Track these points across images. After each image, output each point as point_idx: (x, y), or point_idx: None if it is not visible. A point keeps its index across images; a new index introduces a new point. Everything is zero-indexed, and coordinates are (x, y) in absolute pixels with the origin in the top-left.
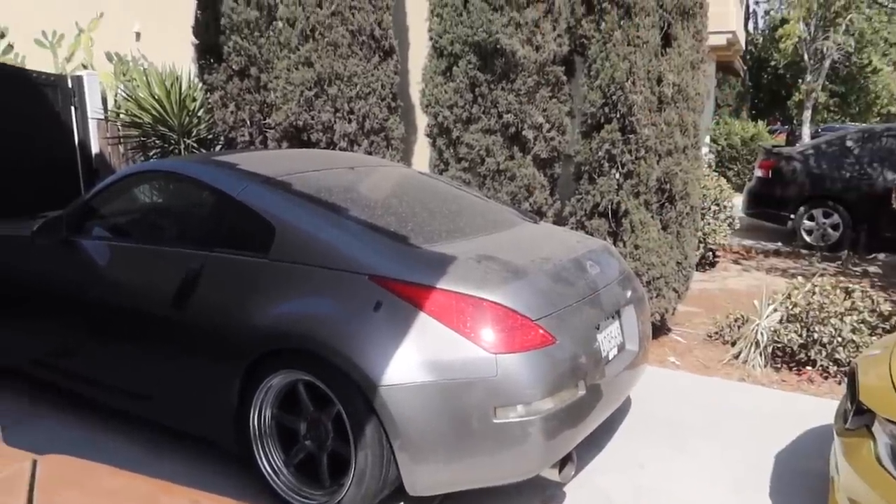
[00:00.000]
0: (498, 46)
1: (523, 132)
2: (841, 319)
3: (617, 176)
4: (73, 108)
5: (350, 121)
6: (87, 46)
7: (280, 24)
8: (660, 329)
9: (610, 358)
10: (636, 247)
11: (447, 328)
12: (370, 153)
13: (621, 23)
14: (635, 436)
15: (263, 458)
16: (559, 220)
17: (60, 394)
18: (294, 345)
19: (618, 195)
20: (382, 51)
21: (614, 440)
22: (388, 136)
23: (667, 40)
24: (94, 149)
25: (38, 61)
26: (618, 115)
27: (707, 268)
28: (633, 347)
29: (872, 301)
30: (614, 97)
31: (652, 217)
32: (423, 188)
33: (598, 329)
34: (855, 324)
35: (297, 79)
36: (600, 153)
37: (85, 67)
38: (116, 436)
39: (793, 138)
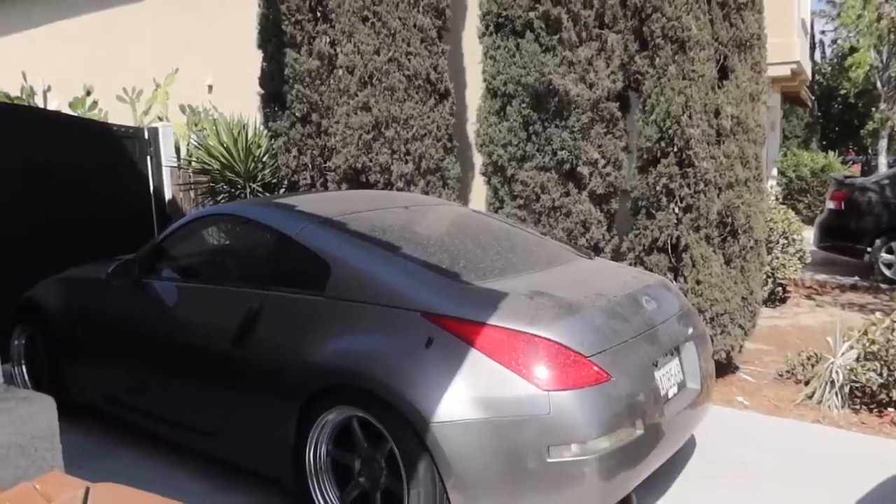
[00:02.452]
0: (551, 87)
1: (578, 168)
2: None
3: (675, 210)
4: (149, 157)
5: (406, 161)
6: (163, 100)
7: (340, 71)
8: (726, 367)
9: (670, 396)
10: (698, 282)
11: (499, 365)
12: (427, 193)
13: (675, 57)
14: (701, 479)
15: (319, 495)
16: (617, 256)
17: (132, 430)
18: (348, 381)
19: (677, 230)
20: (438, 93)
21: (678, 484)
22: (443, 176)
23: (724, 73)
24: (168, 195)
25: (120, 115)
26: (674, 150)
27: (777, 304)
28: (695, 385)
29: None
30: (670, 131)
31: (714, 251)
32: (476, 226)
33: (655, 366)
34: None
35: (356, 123)
36: (658, 188)
37: (160, 119)
38: (182, 471)
39: (868, 169)
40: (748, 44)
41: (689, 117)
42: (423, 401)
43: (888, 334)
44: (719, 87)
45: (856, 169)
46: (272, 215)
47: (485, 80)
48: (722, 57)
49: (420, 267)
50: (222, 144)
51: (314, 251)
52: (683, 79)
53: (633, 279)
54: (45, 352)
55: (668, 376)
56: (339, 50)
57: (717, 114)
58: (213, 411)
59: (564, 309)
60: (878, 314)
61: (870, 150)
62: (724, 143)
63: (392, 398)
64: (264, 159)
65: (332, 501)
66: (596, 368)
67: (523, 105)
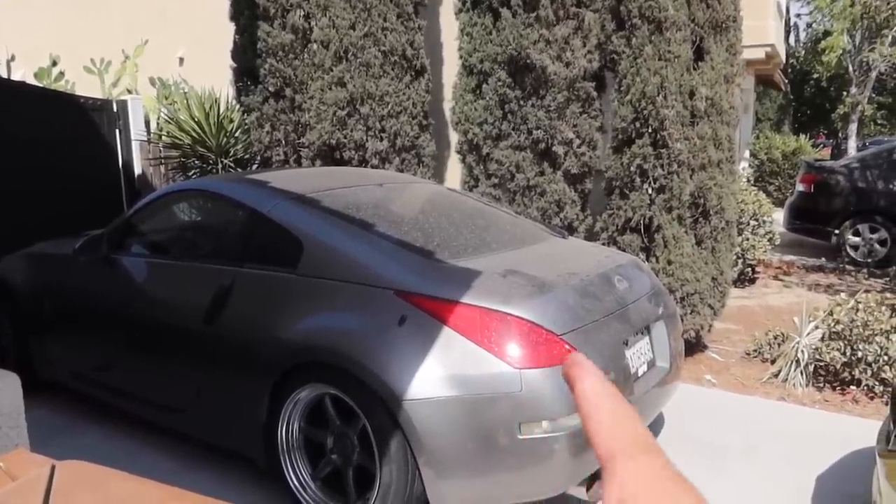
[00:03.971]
0: (528, 62)
1: (553, 148)
2: (887, 337)
3: (649, 191)
4: (117, 130)
5: (381, 139)
6: (132, 72)
7: (314, 46)
8: (695, 346)
9: (639, 374)
10: (669, 262)
11: (471, 343)
12: (402, 170)
13: (652, 38)
14: (669, 454)
15: (291, 472)
16: (591, 236)
17: (101, 407)
18: (320, 358)
19: (650, 210)
20: (414, 70)
21: None
22: (419, 154)
23: (699, 54)
24: (137, 169)
25: (88, 87)
26: (649, 130)
27: (746, 284)
28: (664, 364)
29: None
30: (645, 112)
31: (686, 232)
32: (450, 204)
33: (626, 345)
34: None
35: (331, 99)
36: (632, 168)
37: (130, 92)
38: (155, 449)
39: (838, 152)
40: (724, 25)
41: (665, 98)
42: (396, 378)
43: (852, 314)
44: (694, 69)
45: (826, 152)
46: (245, 191)
47: (461, 58)
48: (698, 38)
49: (393, 245)
50: (193, 119)
51: (286, 228)
52: (659, 59)
53: (605, 259)
54: (10, 328)
55: (638, 355)
56: (313, 24)
57: (691, 95)
58: (184, 388)
59: (537, 288)
60: (842, 295)
61: (840, 134)
62: (697, 124)
63: (364, 376)
64: (237, 134)
65: (304, 478)
66: (567, 346)
67: (499, 83)
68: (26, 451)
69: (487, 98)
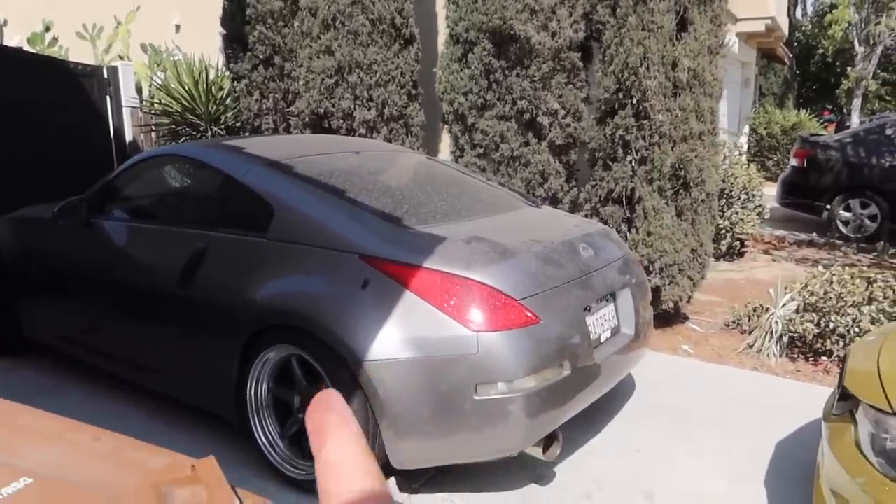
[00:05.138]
0: (512, 32)
1: (538, 118)
2: (859, 309)
3: (631, 162)
4: (108, 97)
5: (369, 108)
6: (123, 38)
7: (303, 13)
8: (674, 317)
9: (602, 340)
10: (649, 233)
11: (431, 306)
12: (390, 140)
13: (636, 7)
14: (636, 421)
15: (260, 430)
16: (575, 207)
17: (86, 369)
18: (287, 321)
19: (632, 181)
20: (403, 39)
21: (613, 424)
22: (407, 123)
23: (683, 25)
24: (128, 136)
25: (81, 53)
26: (632, 101)
27: (735, 258)
28: (629, 331)
29: (894, 291)
30: (628, 83)
31: (666, 204)
32: (426, 172)
33: (588, 311)
34: (874, 314)
35: (319, 67)
36: (614, 139)
37: (121, 59)
38: (130, 408)
39: (843, 128)
40: None
41: (647, 69)
42: (357, 340)
43: (826, 286)
44: (678, 40)
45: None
46: (220, 157)
47: (448, 27)
48: (681, 9)
49: (361, 211)
50: (183, 86)
51: (258, 193)
52: (642, 30)
53: (574, 227)
54: None
55: (600, 321)
56: None
57: (674, 66)
58: (159, 349)
59: (499, 253)
60: (820, 267)
61: (844, 110)
62: (679, 95)
63: (327, 337)
64: (227, 102)
65: (272, 436)
66: (525, 311)
67: (484, 52)
68: None
69: (473, 67)
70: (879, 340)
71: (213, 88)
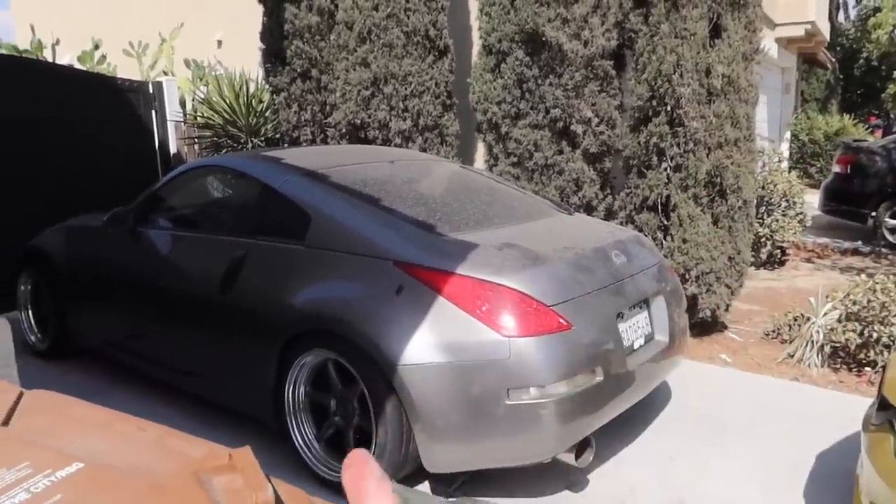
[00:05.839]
0: (544, 39)
1: (571, 126)
2: None
3: (666, 169)
4: (153, 111)
5: (405, 118)
6: (168, 54)
7: (339, 27)
8: (712, 325)
9: (635, 347)
10: (684, 241)
11: (463, 312)
12: (424, 150)
13: (668, 15)
14: (670, 430)
15: (297, 432)
16: (610, 215)
17: (132, 372)
18: (324, 326)
19: (666, 189)
20: (437, 50)
21: (647, 432)
22: (442, 133)
23: (716, 31)
24: (173, 149)
25: (128, 70)
26: (665, 108)
27: (776, 266)
28: (663, 338)
29: None
30: (661, 90)
31: (702, 211)
32: (460, 181)
33: (620, 318)
34: None
35: (355, 79)
36: (649, 147)
37: (166, 74)
38: (173, 410)
39: (890, 134)
40: (742, 2)
41: (681, 76)
42: (391, 345)
43: (869, 295)
44: (711, 46)
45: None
46: (258, 167)
47: (481, 37)
48: (715, 15)
49: (395, 218)
50: (224, 99)
51: (296, 202)
52: (675, 37)
53: (607, 234)
54: (50, 297)
55: (634, 328)
56: (338, 5)
57: (707, 73)
58: (201, 354)
59: (530, 260)
60: (863, 276)
61: (891, 115)
62: (714, 102)
63: (362, 342)
64: (266, 114)
65: (309, 438)
66: (557, 317)
67: (517, 62)
68: (5, 382)
69: (506, 77)
70: None
71: (253, 102)
